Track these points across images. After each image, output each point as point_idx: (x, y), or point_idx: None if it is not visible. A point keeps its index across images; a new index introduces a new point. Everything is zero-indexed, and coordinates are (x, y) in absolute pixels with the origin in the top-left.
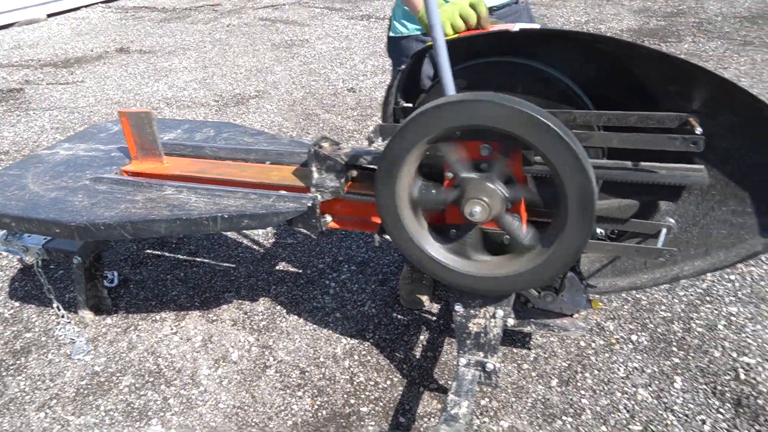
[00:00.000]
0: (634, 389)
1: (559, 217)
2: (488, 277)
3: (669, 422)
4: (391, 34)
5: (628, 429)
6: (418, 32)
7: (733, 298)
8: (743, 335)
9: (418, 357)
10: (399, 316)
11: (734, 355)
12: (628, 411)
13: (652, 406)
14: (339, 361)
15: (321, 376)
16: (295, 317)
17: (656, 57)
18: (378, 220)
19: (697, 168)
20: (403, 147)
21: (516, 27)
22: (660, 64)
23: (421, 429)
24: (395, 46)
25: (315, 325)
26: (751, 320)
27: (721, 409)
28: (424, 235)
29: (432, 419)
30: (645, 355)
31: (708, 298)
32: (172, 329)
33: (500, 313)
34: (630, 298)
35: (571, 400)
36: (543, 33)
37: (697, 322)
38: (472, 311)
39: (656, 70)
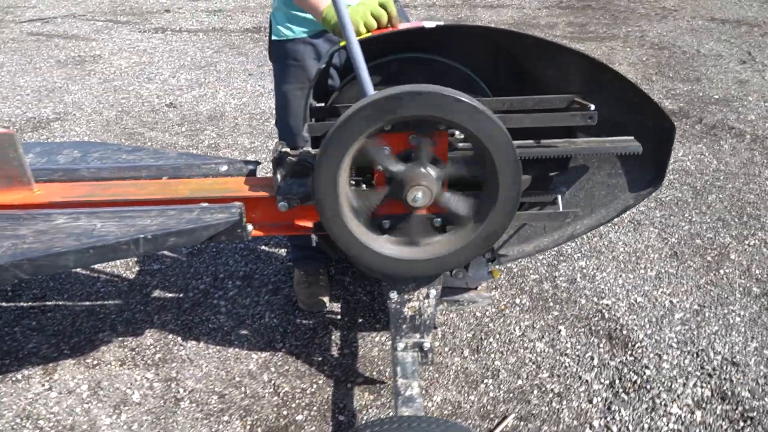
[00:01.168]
0: (532, 343)
1: (490, 192)
2: (437, 257)
3: (567, 364)
4: (275, 38)
5: (539, 378)
6: (305, 35)
7: (579, 255)
8: (596, 283)
9: (335, 356)
10: (303, 321)
11: (595, 299)
12: (533, 363)
13: (550, 354)
14: (257, 376)
15: (243, 395)
16: (194, 343)
17: (538, 44)
18: (304, 223)
19: (630, 139)
20: (344, 141)
21: (428, 24)
22: (541, 51)
23: (372, 418)
24: (280, 49)
25: (218, 347)
26: (598, 270)
27: (599, 345)
28: (371, 236)
29: (371, 410)
30: (531, 313)
31: (562, 258)
32: (44, 385)
33: (433, 292)
34: (502, 268)
35: (486, 364)
36: (448, 28)
37: (560, 279)
38: (406, 296)
39: (539, 57)
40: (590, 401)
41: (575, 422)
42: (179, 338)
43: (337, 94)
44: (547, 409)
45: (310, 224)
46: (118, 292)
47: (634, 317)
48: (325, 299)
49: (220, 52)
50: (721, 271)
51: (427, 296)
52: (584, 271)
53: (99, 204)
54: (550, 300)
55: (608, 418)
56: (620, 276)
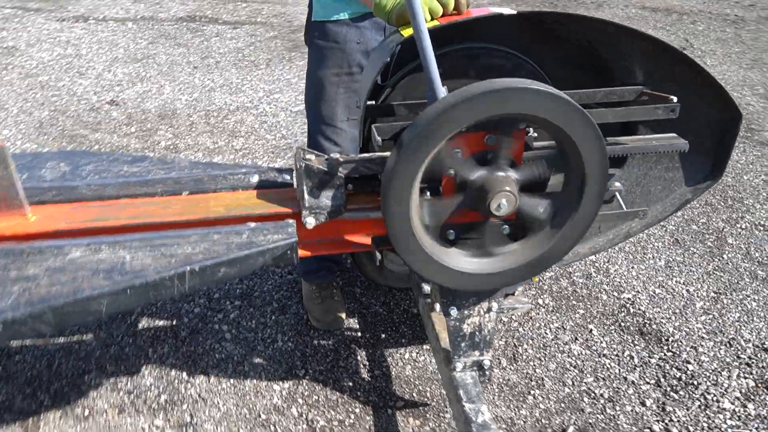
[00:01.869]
0: (567, 346)
1: (572, 194)
2: (517, 268)
3: (608, 366)
4: (316, 18)
5: (585, 383)
6: (347, 17)
7: None
8: (611, 276)
9: (366, 378)
10: (322, 342)
11: (615, 294)
12: (574, 367)
13: (588, 356)
14: (284, 411)
15: None
16: (203, 378)
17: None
18: (357, 238)
19: (674, 136)
20: (426, 144)
21: (500, 10)
22: (611, 38)
23: None
24: (320, 30)
25: (232, 380)
26: (609, 262)
27: (634, 342)
28: (444, 251)
29: None
30: (557, 314)
31: None
32: None
33: (495, 306)
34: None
35: (527, 373)
36: (527, 15)
37: (576, 275)
38: (466, 312)
39: (608, 44)
40: (643, 404)
41: (634, 428)
42: (184, 374)
43: (390, 91)
44: (602, 416)
45: (365, 239)
46: (97, 322)
47: (657, 310)
48: (342, 315)
49: (156, 43)
50: (725, 257)
51: (489, 310)
52: (596, 265)
53: (118, 230)
54: (572, 298)
55: (666, 421)
56: (632, 268)
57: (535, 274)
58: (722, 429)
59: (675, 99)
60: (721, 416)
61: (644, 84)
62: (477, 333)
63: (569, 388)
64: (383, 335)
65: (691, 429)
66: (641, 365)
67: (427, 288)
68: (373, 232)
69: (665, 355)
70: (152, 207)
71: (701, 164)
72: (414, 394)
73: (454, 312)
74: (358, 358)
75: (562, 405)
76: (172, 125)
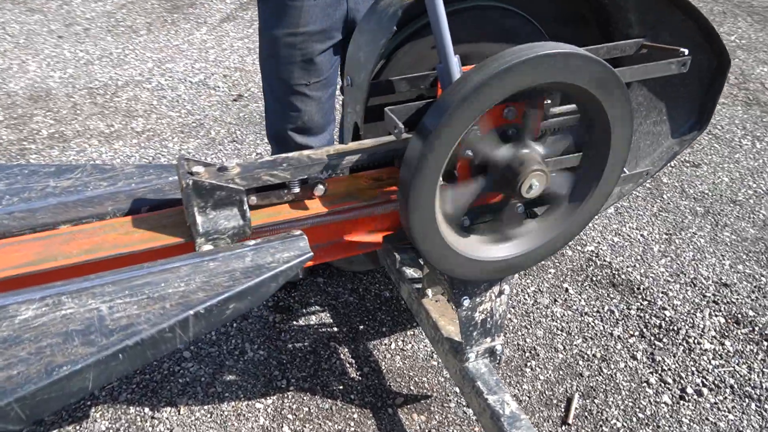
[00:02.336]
0: (548, 310)
1: (596, 166)
2: (539, 247)
3: (591, 324)
4: None
5: (576, 345)
6: None
7: None
8: None
9: (356, 378)
10: (297, 344)
11: (579, 248)
12: (562, 330)
13: (571, 317)
14: (274, 431)
15: None
16: (170, 410)
17: None
18: (365, 238)
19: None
20: (458, 124)
21: None
22: None
23: None
24: None
25: (207, 406)
26: None
27: (609, 295)
28: (466, 241)
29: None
30: (530, 277)
31: None
32: None
33: (507, 289)
34: None
35: (519, 345)
36: None
37: None
38: (478, 299)
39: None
40: (634, 357)
41: (633, 384)
42: (146, 409)
43: (384, 63)
44: (601, 377)
45: (372, 238)
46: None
47: (621, 258)
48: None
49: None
50: (665, 197)
51: (500, 293)
52: None
53: (73, 271)
54: None
55: (659, 371)
56: None
57: (556, 251)
58: (709, 370)
59: (686, 51)
60: (705, 358)
61: (642, 35)
62: (488, 319)
63: (562, 354)
64: (361, 326)
65: (683, 375)
66: (622, 319)
67: (411, 272)
68: (378, 228)
69: (641, 305)
70: (111, 233)
71: (688, 114)
72: (411, 387)
73: (466, 302)
74: (341, 356)
75: (560, 372)
76: (50, 109)
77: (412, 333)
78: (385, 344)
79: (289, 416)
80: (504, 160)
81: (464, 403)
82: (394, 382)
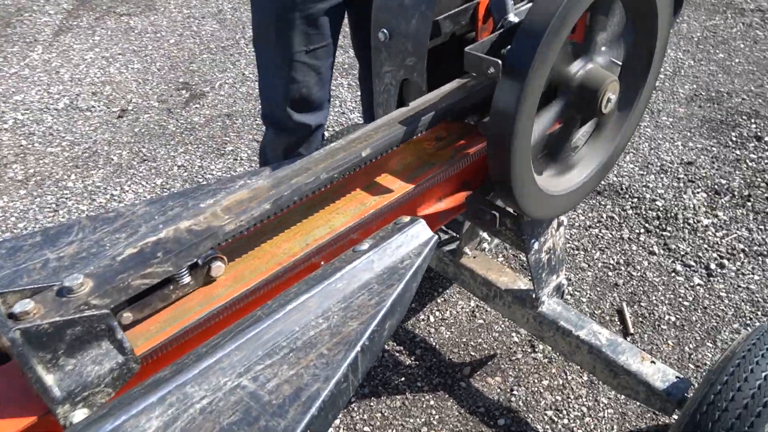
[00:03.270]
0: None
1: (638, 77)
2: (599, 167)
3: (599, 234)
4: None
5: (597, 259)
6: None
7: None
8: None
9: (414, 364)
10: None
11: None
12: (577, 248)
13: (579, 234)
14: None
15: None
16: None
17: None
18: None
19: None
20: (551, 49)
21: None
22: None
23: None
24: None
25: None
26: None
27: (600, 203)
28: (546, 179)
29: (522, 390)
30: None
31: None
32: None
33: (564, 220)
34: None
35: None
36: None
37: None
38: (542, 239)
39: None
40: (652, 252)
41: (664, 277)
42: None
43: None
44: (634, 281)
45: (455, 203)
46: None
47: None
48: None
49: None
50: None
51: (559, 226)
52: None
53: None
54: None
55: (679, 257)
56: None
57: (609, 171)
58: (720, 244)
59: None
60: (709, 233)
61: None
62: (552, 256)
63: (590, 271)
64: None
65: (700, 255)
66: (624, 221)
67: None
68: (448, 192)
69: (633, 203)
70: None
71: None
72: (471, 353)
73: (536, 244)
74: (386, 347)
75: (597, 289)
76: None
77: (442, 300)
78: (423, 320)
79: (366, 429)
80: (579, 77)
81: (530, 351)
82: (452, 354)
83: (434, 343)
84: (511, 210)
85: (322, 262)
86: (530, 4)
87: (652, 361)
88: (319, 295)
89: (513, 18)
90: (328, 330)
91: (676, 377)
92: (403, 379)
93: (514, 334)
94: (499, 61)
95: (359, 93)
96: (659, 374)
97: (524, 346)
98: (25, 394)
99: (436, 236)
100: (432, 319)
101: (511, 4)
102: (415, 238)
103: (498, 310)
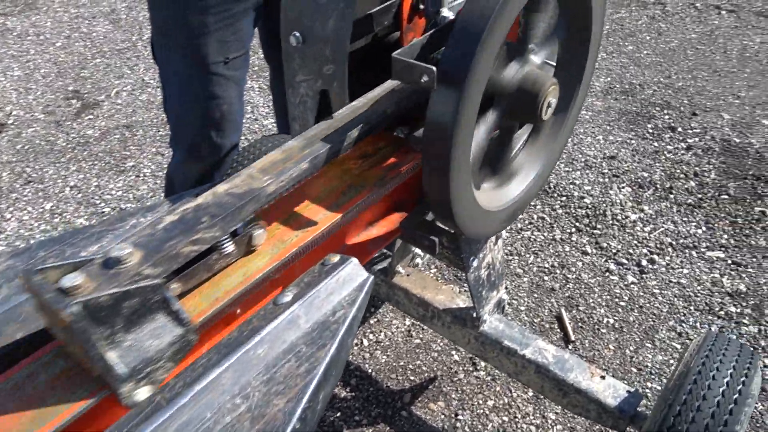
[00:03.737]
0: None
1: (574, 77)
2: (537, 176)
3: (532, 236)
4: None
5: (532, 263)
6: None
7: None
8: None
9: (350, 396)
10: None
11: None
12: (511, 253)
13: (512, 238)
14: None
15: None
16: None
17: None
18: (363, 238)
19: None
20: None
21: None
22: None
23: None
24: None
25: None
26: None
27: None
28: (484, 194)
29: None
30: None
31: None
32: None
33: (503, 233)
34: None
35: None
36: None
37: None
38: (481, 255)
39: None
40: (585, 252)
41: (599, 278)
42: None
43: None
44: (571, 284)
45: (387, 228)
46: None
47: None
48: None
49: None
50: None
51: (497, 239)
52: None
53: None
54: None
55: (612, 255)
56: None
57: (546, 181)
58: (648, 239)
59: None
60: (637, 228)
61: None
62: (492, 271)
63: (526, 276)
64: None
65: (631, 251)
66: (555, 221)
67: None
68: (378, 215)
69: (562, 202)
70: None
71: None
72: (411, 378)
73: (475, 262)
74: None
75: (535, 296)
76: None
77: (375, 320)
78: (356, 345)
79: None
80: (517, 81)
81: (471, 369)
82: (390, 380)
83: (370, 370)
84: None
85: (238, 310)
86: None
87: (602, 376)
88: (235, 366)
89: (447, 13)
90: (248, 413)
91: (627, 392)
92: (339, 414)
93: (454, 353)
94: (434, 68)
95: (271, 98)
96: (610, 390)
97: (465, 364)
98: (78, 374)
99: (372, 276)
100: (366, 343)
101: None
102: (347, 282)
103: (437, 330)
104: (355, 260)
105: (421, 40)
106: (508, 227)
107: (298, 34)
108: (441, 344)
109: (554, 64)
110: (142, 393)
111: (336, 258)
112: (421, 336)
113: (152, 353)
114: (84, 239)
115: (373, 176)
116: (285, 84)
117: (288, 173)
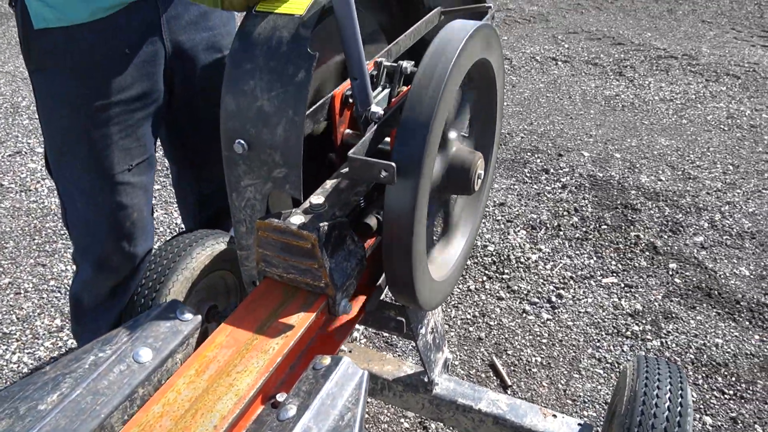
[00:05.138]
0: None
1: (487, 144)
2: (473, 232)
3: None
4: (43, 25)
5: (454, 317)
6: (104, 14)
7: None
8: None
9: None
10: None
11: None
12: None
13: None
14: None
15: None
16: None
17: None
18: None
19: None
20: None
21: None
22: None
23: None
24: (61, 45)
25: None
26: None
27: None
28: (433, 261)
29: None
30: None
31: None
32: None
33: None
34: None
35: (413, 344)
36: None
37: None
38: (425, 321)
39: None
40: (500, 298)
41: (517, 319)
42: None
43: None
44: (495, 331)
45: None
46: None
47: None
48: None
49: None
50: None
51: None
52: None
53: None
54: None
55: (523, 296)
56: None
57: (477, 231)
58: (551, 275)
59: (491, 4)
60: (539, 267)
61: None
62: (436, 334)
63: (453, 330)
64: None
65: (539, 289)
66: (465, 272)
67: None
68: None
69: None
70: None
71: None
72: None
73: (422, 329)
74: None
75: (465, 348)
76: None
77: None
78: None
79: None
80: (447, 165)
81: None
82: None
83: None
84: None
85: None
86: (386, 93)
87: (554, 415)
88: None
89: (376, 108)
90: None
91: (578, 425)
92: None
93: (402, 420)
94: (393, 165)
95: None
96: (564, 427)
97: (416, 430)
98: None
99: (366, 372)
100: None
101: (372, 95)
102: (346, 383)
103: (388, 401)
104: (347, 359)
105: (368, 137)
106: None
107: (243, 141)
108: (389, 414)
109: (466, 135)
110: (344, 303)
111: (327, 359)
112: (368, 410)
113: (348, 271)
114: (38, 389)
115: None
116: (228, 188)
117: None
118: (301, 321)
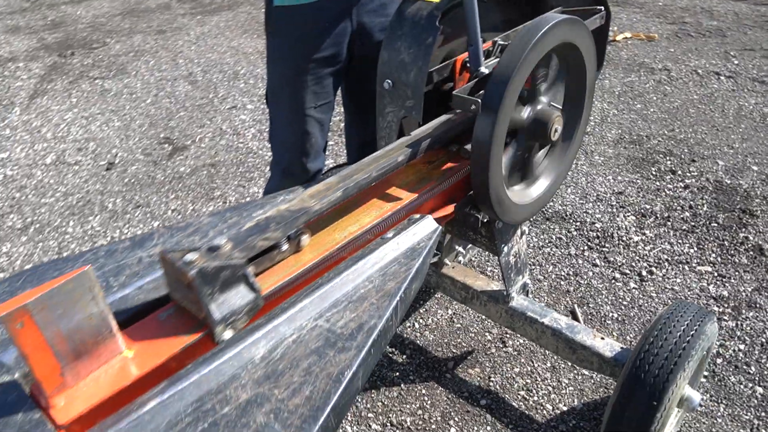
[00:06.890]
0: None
1: (578, 106)
2: (553, 182)
3: (551, 252)
4: (278, 2)
5: (551, 272)
6: None
7: None
8: None
9: (406, 362)
10: None
11: None
12: (534, 264)
13: (535, 252)
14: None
15: None
16: None
17: None
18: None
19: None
20: (514, 91)
21: None
22: None
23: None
24: (286, 18)
25: None
26: None
27: (551, 227)
28: (517, 191)
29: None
30: None
31: None
32: None
33: (525, 229)
34: None
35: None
36: None
37: None
38: (510, 244)
39: None
40: (595, 264)
41: (606, 283)
42: None
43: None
44: (582, 288)
45: (447, 211)
46: None
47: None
48: None
49: None
50: None
51: (522, 235)
52: None
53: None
54: None
55: (617, 267)
56: None
57: (558, 188)
58: (648, 255)
59: (601, 8)
60: (639, 246)
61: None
62: (518, 260)
63: (546, 281)
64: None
65: (633, 264)
66: (570, 240)
67: None
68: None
69: (577, 226)
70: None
71: None
72: (453, 350)
73: (505, 248)
74: None
75: (553, 295)
76: None
77: (423, 310)
78: (409, 326)
79: (370, 415)
80: (533, 115)
81: (501, 346)
82: (437, 352)
83: (421, 345)
84: (486, 219)
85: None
86: (496, 60)
87: (602, 338)
88: (363, 266)
89: (484, 70)
90: (373, 288)
91: (621, 347)
92: (397, 374)
93: (487, 334)
94: (479, 100)
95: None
96: (608, 347)
97: (497, 342)
98: (192, 319)
99: (440, 227)
100: (417, 325)
101: (483, 60)
102: (426, 228)
103: (475, 308)
104: (430, 216)
105: (470, 84)
106: (529, 222)
107: (389, 81)
108: (477, 327)
109: (559, 107)
110: (227, 334)
111: (417, 216)
112: (461, 322)
113: (236, 308)
114: (253, 207)
115: (437, 174)
116: (376, 114)
117: (327, 198)
118: (406, 197)
